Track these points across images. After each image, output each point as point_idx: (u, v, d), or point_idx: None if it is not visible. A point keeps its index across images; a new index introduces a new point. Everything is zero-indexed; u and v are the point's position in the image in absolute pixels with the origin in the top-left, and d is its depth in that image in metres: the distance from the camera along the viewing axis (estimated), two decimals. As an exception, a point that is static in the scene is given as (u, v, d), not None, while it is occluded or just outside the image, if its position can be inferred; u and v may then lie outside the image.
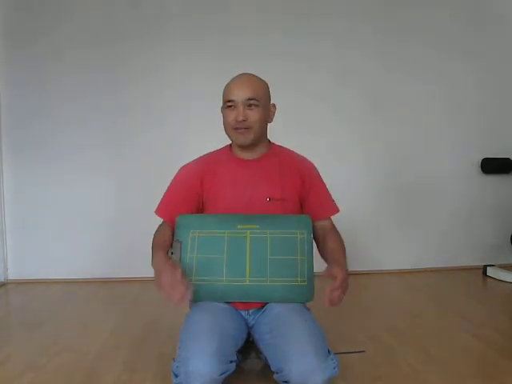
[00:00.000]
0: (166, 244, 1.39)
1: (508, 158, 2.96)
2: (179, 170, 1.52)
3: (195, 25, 2.76)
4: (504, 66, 2.98)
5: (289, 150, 1.55)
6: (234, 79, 1.42)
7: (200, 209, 1.49)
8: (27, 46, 2.72)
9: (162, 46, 2.76)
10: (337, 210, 1.53)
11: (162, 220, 1.48)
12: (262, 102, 1.40)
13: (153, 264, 1.29)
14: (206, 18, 2.77)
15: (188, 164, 1.52)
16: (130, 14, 2.75)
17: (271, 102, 1.47)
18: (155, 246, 1.36)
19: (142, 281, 2.71)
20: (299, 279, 1.34)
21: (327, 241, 1.44)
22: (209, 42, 2.76)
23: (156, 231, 1.45)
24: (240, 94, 1.37)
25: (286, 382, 1.18)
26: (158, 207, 1.50)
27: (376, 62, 2.86)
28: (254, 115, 1.38)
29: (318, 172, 1.53)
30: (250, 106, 1.38)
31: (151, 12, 2.76)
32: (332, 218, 1.53)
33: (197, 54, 2.77)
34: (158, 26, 2.76)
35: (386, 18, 2.87)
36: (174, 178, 1.51)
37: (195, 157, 1.54)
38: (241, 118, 1.37)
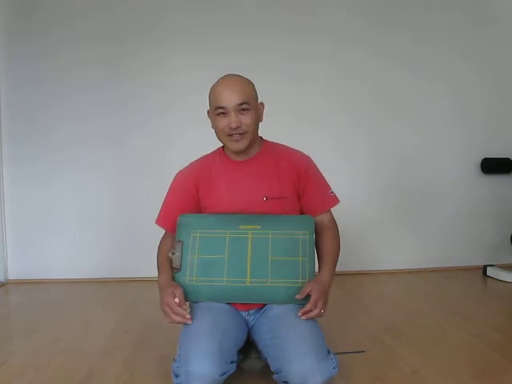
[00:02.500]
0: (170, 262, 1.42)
1: (508, 158, 2.96)
2: (175, 177, 1.51)
3: (194, 22, 2.76)
4: (504, 67, 2.98)
5: (282, 145, 1.52)
6: (220, 83, 1.37)
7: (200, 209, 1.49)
8: (27, 43, 2.72)
9: (161, 43, 2.76)
10: (335, 202, 1.50)
11: (163, 230, 1.51)
12: (252, 105, 1.36)
13: (158, 284, 1.37)
14: (206, 15, 2.76)
15: (183, 170, 1.51)
16: (129, 11, 2.74)
17: (258, 100, 1.44)
18: (160, 266, 1.43)
19: (142, 281, 2.71)
20: (300, 281, 1.34)
21: (321, 240, 1.44)
22: (208, 39, 2.75)
23: (159, 244, 1.49)
24: (231, 100, 1.32)
25: (285, 382, 1.18)
26: (158, 218, 1.50)
27: (380, 61, 2.85)
28: (247, 119, 1.34)
29: (314, 164, 1.50)
30: (243, 111, 1.34)
31: (149, 10, 2.75)
32: (333, 212, 1.51)
33: (196, 51, 2.76)
34: (158, 21, 2.75)
35: (395, 16, 2.86)
36: (171, 185, 1.50)
37: (195, 155, 1.54)
38: (234, 125, 1.33)
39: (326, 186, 1.51)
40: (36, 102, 2.74)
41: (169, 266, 1.40)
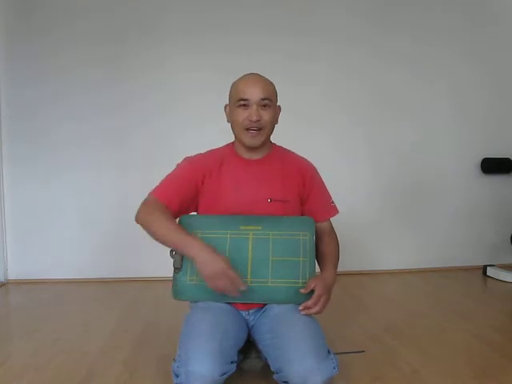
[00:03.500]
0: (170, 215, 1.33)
1: (508, 158, 2.96)
2: (183, 161, 1.47)
3: (194, 22, 2.75)
4: (504, 67, 2.98)
5: (290, 151, 1.55)
6: (245, 78, 1.40)
7: (194, 202, 1.44)
8: (27, 43, 2.72)
9: (161, 43, 2.75)
10: (336, 212, 1.54)
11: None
12: (273, 103, 1.39)
13: (183, 244, 1.26)
14: (206, 15, 2.76)
15: (192, 157, 1.47)
16: (129, 11, 2.74)
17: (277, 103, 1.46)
18: (167, 226, 1.28)
19: (142, 281, 2.71)
20: (301, 281, 1.34)
21: (322, 244, 1.47)
22: (208, 39, 2.75)
23: (144, 206, 1.36)
24: (255, 93, 1.35)
25: (285, 382, 1.18)
26: (155, 190, 1.41)
27: (380, 61, 2.85)
28: (266, 115, 1.37)
29: (318, 174, 1.54)
30: (264, 106, 1.36)
31: (149, 10, 2.74)
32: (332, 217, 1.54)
33: (196, 51, 2.76)
34: (158, 21, 2.74)
35: (395, 16, 2.86)
36: (177, 167, 1.46)
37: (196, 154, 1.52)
38: (255, 118, 1.34)
39: (328, 196, 1.54)
40: (36, 101, 2.74)
41: (171, 218, 1.31)
